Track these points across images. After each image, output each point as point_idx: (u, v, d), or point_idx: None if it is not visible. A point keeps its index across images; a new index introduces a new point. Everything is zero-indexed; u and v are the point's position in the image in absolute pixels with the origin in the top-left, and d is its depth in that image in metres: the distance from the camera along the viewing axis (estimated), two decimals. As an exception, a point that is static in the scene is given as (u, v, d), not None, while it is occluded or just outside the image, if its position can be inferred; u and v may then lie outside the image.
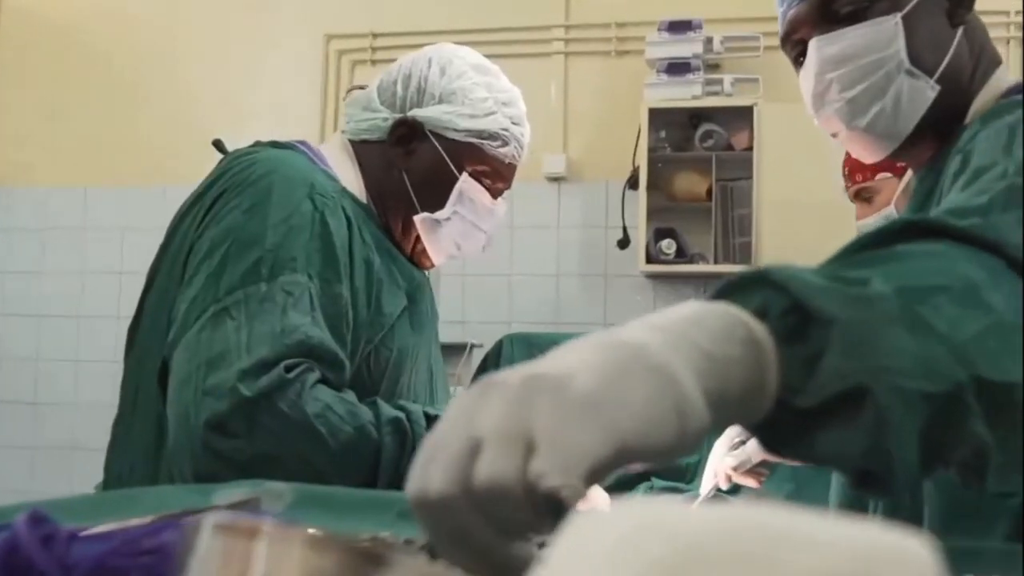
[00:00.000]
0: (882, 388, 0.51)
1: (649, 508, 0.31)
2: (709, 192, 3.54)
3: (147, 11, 4.12)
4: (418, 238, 1.33)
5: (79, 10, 4.19)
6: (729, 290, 0.55)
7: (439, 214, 1.30)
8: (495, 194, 1.34)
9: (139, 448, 1.17)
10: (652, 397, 0.46)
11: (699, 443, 0.49)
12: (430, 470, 0.46)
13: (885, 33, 1.03)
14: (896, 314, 0.54)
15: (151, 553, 0.54)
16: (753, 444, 1.27)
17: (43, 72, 4.19)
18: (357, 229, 1.21)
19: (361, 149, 1.33)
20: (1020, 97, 0.98)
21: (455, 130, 1.28)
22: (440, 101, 1.29)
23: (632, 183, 3.61)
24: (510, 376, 0.47)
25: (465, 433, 0.46)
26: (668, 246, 3.52)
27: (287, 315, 1.06)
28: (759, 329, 0.51)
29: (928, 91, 1.04)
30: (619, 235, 3.63)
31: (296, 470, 0.97)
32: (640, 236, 3.53)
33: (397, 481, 1.04)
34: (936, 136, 1.07)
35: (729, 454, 1.29)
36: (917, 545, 0.31)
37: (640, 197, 3.54)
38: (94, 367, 3.93)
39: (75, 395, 3.99)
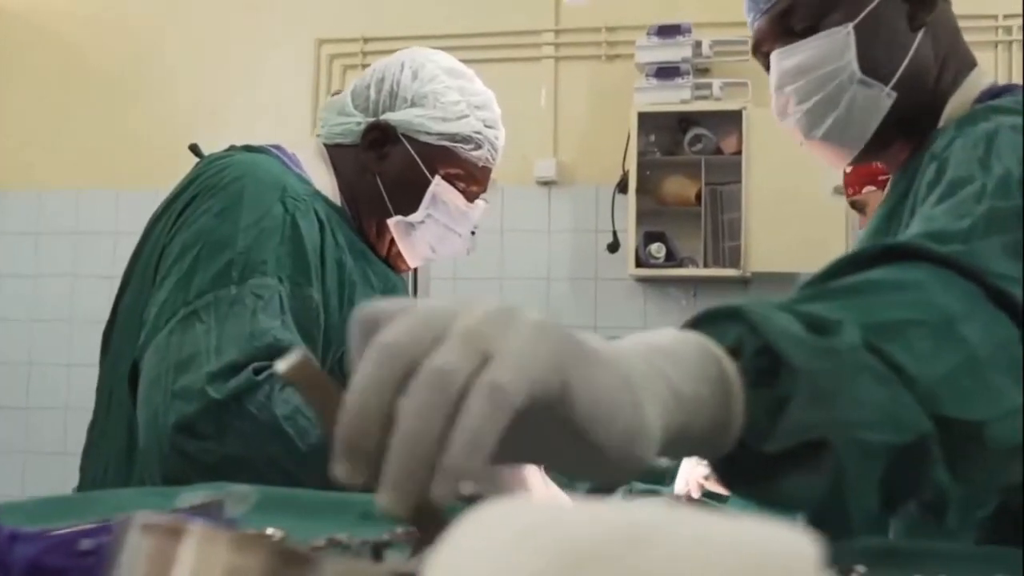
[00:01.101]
0: (842, 441, 0.51)
1: (541, 509, 0.32)
2: (698, 196, 3.55)
3: (141, 15, 4.13)
4: (393, 241, 1.34)
5: (74, 14, 4.20)
6: (708, 321, 0.55)
7: (412, 217, 1.30)
8: (470, 197, 1.34)
9: (112, 451, 1.17)
10: (613, 386, 0.45)
11: (635, 472, 0.47)
12: (400, 319, 0.43)
13: (837, 44, 1.04)
14: (864, 363, 0.53)
15: (90, 554, 0.55)
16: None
17: (38, 75, 4.20)
18: (330, 232, 1.21)
19: (335, 153, 1.33)
20: (998, 102, 0.97)
21: (427, 133, 1.28)
22: (412, 105, 1.29)
23: (622, 187, 3.61)
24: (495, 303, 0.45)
25: (442, 320, 0.43)
26: (658, 250, 3.53)
27: (257, 318, 1.06)
28: (731, 369, 0.51)
29: (884, 99, 1.05)
30: (609, 239, 3.64)
31: (265, 472, 0.98)
32: (630, 240, 3.54)
33: (366, 483, 1.04)
34: (908, 138, 1.07)
35: (700, 462, 1.29)
36: (805, 547, 0.31)
37: (630, 201, 3.55)
38: (87, 371, 3.92)
39: (67, 399, 3.99)
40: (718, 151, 3.56)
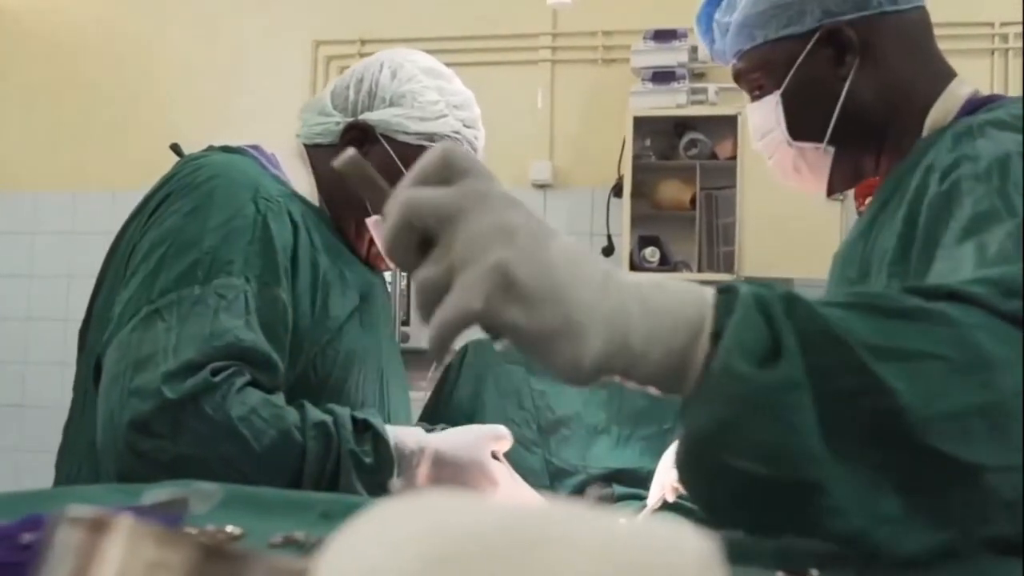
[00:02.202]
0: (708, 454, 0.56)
1: (427, 505, 0.32)
2: (693, 200, 3.54)
3: (138, 16, 4.14)
4: (372, 240, 1.34)
5: (68, 16, 4.21)
6: (727, 291, 0.57)
7: None
8: None
9: (84, 448, 1.17)
10: (581, 277, 0.55)
11: (581, 377, 0.55)
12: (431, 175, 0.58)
13: (770, 112, 1.08)
14: (775, 401, 0.54)
15: (31, 548, 0.54)
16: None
17: (34, 77, 4.20)
18: (305, 232, 1.21)
19: (314, 153, 1.33)
20: (994, 116, 0.94)
21: (405, 133, 1.28)
22: (390, 104, 1.29)
23: (617, 191, 3.61)
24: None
25: (455, 208, 0.56)
26: (652, 254, 3.53)
27: (218, 318, 1.06)
28: (708, 322, 0.56)
29: (822, 155, 1.08)
30: (604, 243, 3.63)
31: (220, 472, 0.97)
32: (624, 244, 3.54)
33: (321, 485, 1.05)
34: (894, 150, 1.07)
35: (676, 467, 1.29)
36: (695, 547, 0.31)
37: (624, 205, 3.55)
38: (80, 370, 3.93)
39: (62, 398, 3.99)
40: (713, 156, 3.56)
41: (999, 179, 0.83)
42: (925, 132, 1.03)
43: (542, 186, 3.79)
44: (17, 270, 4.18)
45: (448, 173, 0.57)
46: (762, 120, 1.10)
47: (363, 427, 1.09)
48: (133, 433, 1.00)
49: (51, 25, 4.23)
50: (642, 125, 3.58)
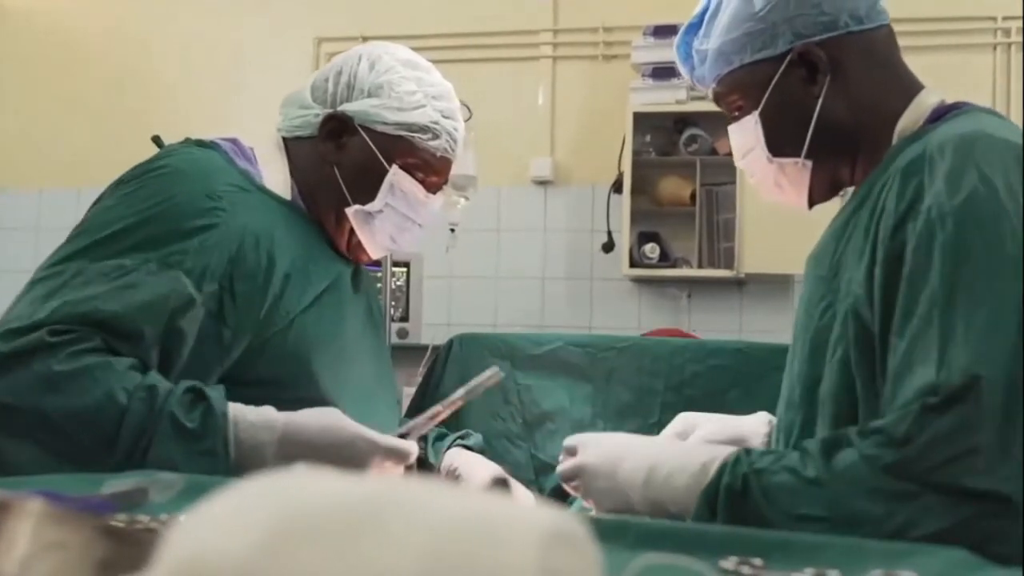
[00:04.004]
0: None
1: (276, 480, 0.32)
2: (693, 196, 3.53)
3: (141, 14, 4.15)
4: (353, 232, 1.33)
5: (72, 13, 4.23)
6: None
7: (370, 206, 1.30)
8: (430, 188, 1.34)
9: None
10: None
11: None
12: None
13: (750, 132, 1.14)
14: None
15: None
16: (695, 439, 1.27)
17: (38, 75, 4.23)
18: (265, 226, 1.21)
19: (294, 146, 1.33)
20: (973, 132, 0.96)
21: (384, 123, 1.28)
22: (369, 95, 1.29)
23: (617, 187, 3.61)
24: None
25: None
26: (651, 250, 3.52)
27: (86, 288, 1.08)
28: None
29: (801, 169, 1.13)
30: (604, 239, 3.63)
31: (35, 425, 1.00)
32: (624, 240, 3.53)
33: (139, 447, 1.03)
34: (864, 163, 1.12)
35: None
36: (539, 525, 0.31)
37: (624, 201, 3.54)
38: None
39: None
40: (713, 152, 3.55)
41: (951, 236, 0.89)
42: (895, 140, 1.08)
43: (543, 182, 3.79)
44: (21, 266, 4.20)
45: None
46: (743, 140, 1.16)
47: (198, 395, 1.07)
48: None
49: (56, 24, 4.25)
50: (642, 121, 3.57)
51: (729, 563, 0.66)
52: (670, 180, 3.59)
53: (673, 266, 3.55)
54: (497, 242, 3.76)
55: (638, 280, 3.65)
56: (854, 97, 1.09)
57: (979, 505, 0.80)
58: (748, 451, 0.92)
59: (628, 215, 3.53)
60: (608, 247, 3.61)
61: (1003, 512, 0.80)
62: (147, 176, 1.19)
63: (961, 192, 0.90)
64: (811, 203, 1.18)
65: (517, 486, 1.30)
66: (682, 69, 1.24)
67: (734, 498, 0.89)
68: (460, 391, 1.27)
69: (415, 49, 1.38)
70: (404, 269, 3.19)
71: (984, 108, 1.08)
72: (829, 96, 1.09)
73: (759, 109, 1.12)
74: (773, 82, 1.10)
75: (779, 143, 1.12)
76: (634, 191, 3.54)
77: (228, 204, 1.18)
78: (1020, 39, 3.36)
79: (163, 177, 1.18)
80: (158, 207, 1.14)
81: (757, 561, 0.67)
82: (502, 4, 3.81)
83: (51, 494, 0.56)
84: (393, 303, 3.18)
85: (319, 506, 0.30)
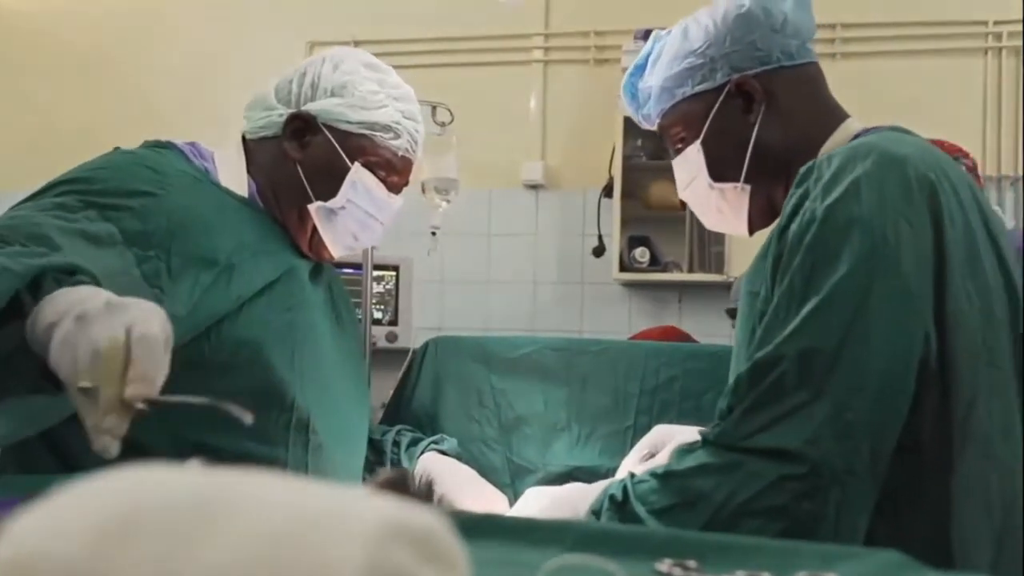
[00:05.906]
0: None
1: (109, 480, 0.31)
2: (683, 201, 3.51)
3: (132, 16, 4.16)
4: (315, 230, 1.34)
5: (67, 15, 4.24)
6: None
7: (332, 203, 1.32)
8: (393, 188, 1.36)
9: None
10: None
11: None
12: None
13: (693, 161, 1.22)
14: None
15: None
16: (663, 456, 1.26)
17: (33, 76, 4.23)
18: (212, 212, 1.23)
19: (257, 146, 1.35)
20: (863, 167, 1.00)
21: (347, 122, 1.31)
22: (332, 95, 1.31)
23: (607, 191, 3.60)
24: None
25: None
26: (642, 254, 3.51)
27: (23, 214, 1.09)
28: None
29: (740, 193, 1.20)
30: (595, 243, 3.62)
31: None
32: (614, 244, 3.52)
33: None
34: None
35: (640, 465, 1.29)
36: (368, 514, 0.30)
37: (615, 205, 3.53)
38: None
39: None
40: (704, 156, 3.53)
41: (809, 275, 0.96)
42: (819, 157, 1.12)
43: (534, 186, 3.78)
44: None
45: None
46: (686, 170, 1.24)
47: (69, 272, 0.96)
48: None
49: (51, 26, 4.26)
50: (633, 125, 3.50)
51: (664, 565, 0.66)
52: (661, 185, 3.57)
53: (663, 270, 3.54)
54: (488, 246, 3.76)
55: (629, 284, 3.64)
56: (786, 125, 1.17)
57: (790, 464, 0.87)
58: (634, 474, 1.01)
59: (619, 219, 3.52)
60: (599, 251, 3.61)
61: (812, 473, 0.87)
62: (97, 161, 1.23)
63: (831, 196, 0.96)
64: (751, 229, 1.24)
65: (476, 488, 1.30)
66: (629, 109, 1.35)
67: (616, 506, 0.97)
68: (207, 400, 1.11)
69: (407, 53, 1.41)
70: (393, 273, 3.17)
71: (896, 128, 1.14)
72: (764, 124, 1.17)
73: (701, 138, 1.19)
74: (713, 111, 1.18)
75: (720, 169, 1.20)
76: (625, 195, 3.53)
77: (175, 183, 1.20)
78: (1012, 43, 3.35)
79: (112, 155, 1.24)
80: (103, 170, 1.18)
81: (692, 563, 0.66)
82: (493, 8, 3.80)
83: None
84: (382, 307, 3.17)
85: (150, 507, 0.29)
